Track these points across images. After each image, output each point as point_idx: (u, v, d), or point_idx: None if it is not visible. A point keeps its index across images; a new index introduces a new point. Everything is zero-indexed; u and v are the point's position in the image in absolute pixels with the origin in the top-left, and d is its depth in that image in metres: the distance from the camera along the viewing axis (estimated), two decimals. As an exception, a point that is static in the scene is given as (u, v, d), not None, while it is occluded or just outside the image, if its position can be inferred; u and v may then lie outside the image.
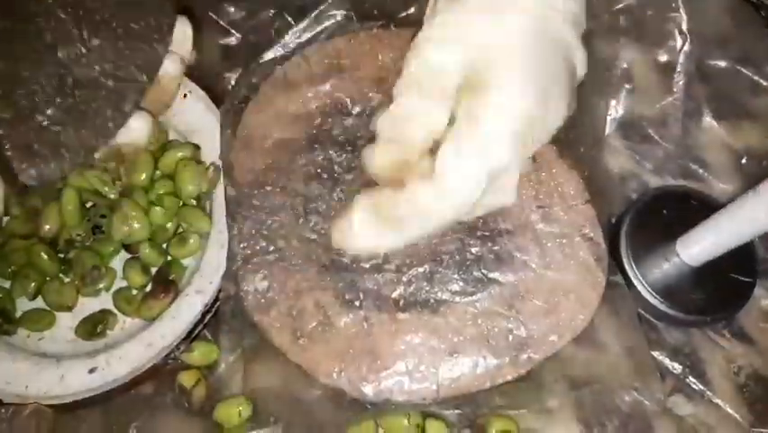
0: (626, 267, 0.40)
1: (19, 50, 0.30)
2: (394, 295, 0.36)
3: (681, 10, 0.44)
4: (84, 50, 0.32)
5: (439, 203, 0.35)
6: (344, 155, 0.40)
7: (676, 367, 0.39)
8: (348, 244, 0.37)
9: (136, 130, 0.37)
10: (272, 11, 0.45)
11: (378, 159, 0.37)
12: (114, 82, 0.33)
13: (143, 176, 0.40)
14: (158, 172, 0.41)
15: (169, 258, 0.41)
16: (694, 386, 0.39)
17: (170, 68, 0.37)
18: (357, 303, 0.36)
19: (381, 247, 0.37)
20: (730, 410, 0.38)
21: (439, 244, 0.37)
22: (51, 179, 0.35)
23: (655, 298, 0.39)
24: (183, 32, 0.36)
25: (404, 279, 0.37)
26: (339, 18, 0.43)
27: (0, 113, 0.31)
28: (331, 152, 0.40)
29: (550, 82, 0.36)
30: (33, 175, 0.34)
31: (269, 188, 0.39)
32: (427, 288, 0.36)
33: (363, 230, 0.36)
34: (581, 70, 0.39)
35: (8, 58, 0.30)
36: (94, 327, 0.39)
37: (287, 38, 0.42)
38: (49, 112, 0.32)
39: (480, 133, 0.35)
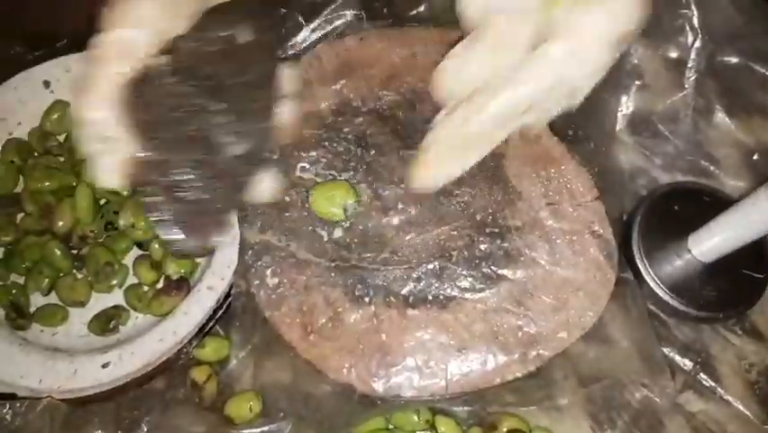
0: (638, 263, 0.40)
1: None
2: (403, 291, 0.36)
3: (693, 6, 0.44)
4: (207, 116, 0.32)
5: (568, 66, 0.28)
6: (354, 153, 0.40)
7: (687, 364, 0.39)
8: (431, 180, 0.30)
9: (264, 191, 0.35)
10: (283, 10, 0.45)
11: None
12: (238, 137, 0.33)
13: (155, 173, 0.41)
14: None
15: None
16: (705, 383, 0.39)
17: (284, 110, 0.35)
18: (366, 299, 0.36)
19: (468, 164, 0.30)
20: (741, 407, 0.38)
21: (448, 241, 0.37)
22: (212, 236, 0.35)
23: (667, 294, 0.39)
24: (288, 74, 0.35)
25: (413, 275, 0.37)
26: (349, 18, 0.43)
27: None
28: (341, 149, 0.40)
29: None
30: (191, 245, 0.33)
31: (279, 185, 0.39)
32: (436, 284, 0.37)
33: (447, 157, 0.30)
34: None
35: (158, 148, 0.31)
36: (107, 322, 0.40)
37: (297, 37, 0.43)
38: (194, 183, 0.32)
39: None
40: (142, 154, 0.30)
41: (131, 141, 0.30)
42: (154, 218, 0.31)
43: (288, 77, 0.35)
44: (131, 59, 0.30)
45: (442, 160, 0.30)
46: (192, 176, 0.31)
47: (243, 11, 0.34)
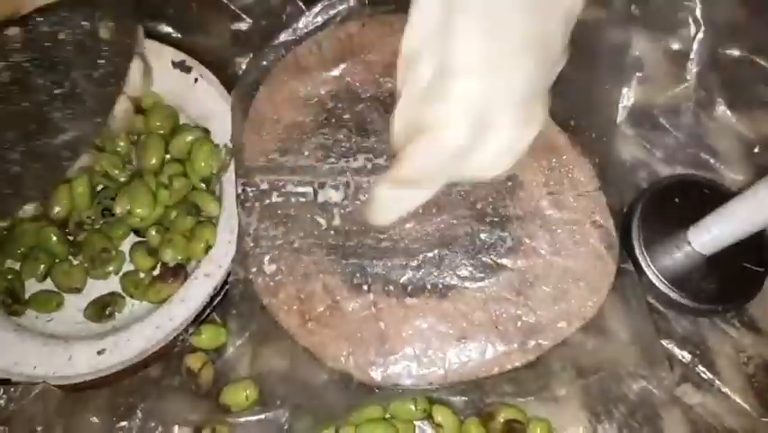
0: (638, 255, 0.40)
1: None
2: (402, 280, 0.36)
3: (687, 1, 0.44)
4: (46, 98, 0.34)
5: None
6: (354, 140, 0.39)
7: (685, 356, 0.39)
8: (382, 220, 0.35)
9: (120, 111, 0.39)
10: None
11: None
12: (71, 125, 0.36)
13: (153, 159, 0.40)
14: (167, 156, 0.42)
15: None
16: (703, 375, 0.39)
17: (120, 108, 0.39)
18: (365, 287, 0.36)
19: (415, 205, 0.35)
20: (739, 400, 0.38)
21: (448, 230, 0.37)
22: (9, 213, 0.38)
23: (666, 286, 0.39)
24: (136, 71, 0.39)
25: (413, 264, 0.36)
26: (351, 3, 0.42)
27: None
28: (341, 136, 0.39)
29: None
30: None
31: (279, 172, 0.39)
32: (436, 273, 0.36)
33: (392, 204, 0.34)
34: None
35: None
36: (102, 309, 0.39)
37: (298, 23, 0.42)
38: (12, 156, 0.35)
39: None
40: None
41: None
42: None
43: (134, 73, 0.38)
44: None
45: (388, 208, 0.35)
46: (15, 151, 0.34)
47: (113, 9, 0.36)
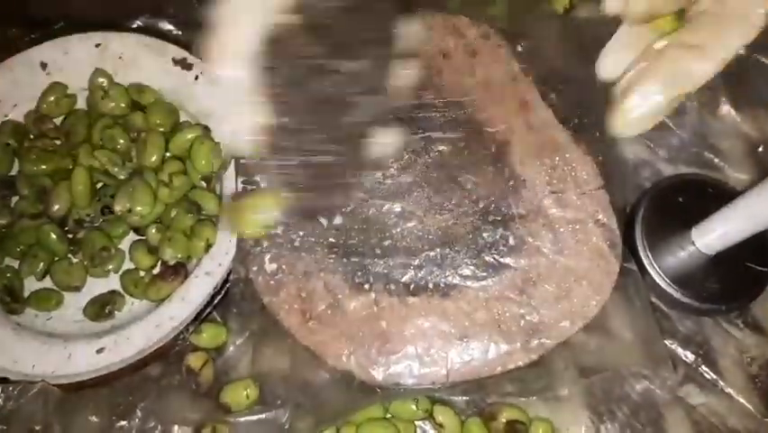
0: (641, 254, 0.40)
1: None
2: (404, 279, 0.36)
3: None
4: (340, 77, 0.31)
5: None
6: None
7: (688, 356, 0.39)
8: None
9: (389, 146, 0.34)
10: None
11: None
12: (365, 99, 0.32)
13: (154, 157, 0.40)
14: (167, 154, 0.41)
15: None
16: (706, 376, 0.38)
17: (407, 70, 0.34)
18: (367, 286, 0.36)
19: None
20: (742, 400, 0.38)
21: (450, 228, 0.37)
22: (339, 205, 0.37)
23: (670, 285, 0.39)
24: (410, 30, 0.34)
25: (415, 262, 0.36)
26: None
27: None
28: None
29: None
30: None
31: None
32: (438, 272, 0.36)
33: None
34: None
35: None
36: (102, 307, 0.39)
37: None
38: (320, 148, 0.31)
39: None
40: (276, 119, 0.29)
41: (265, 104, 0.29)
42: (285, 181, 0.31)
43: (409, 33, 0.33)
44: (262, 15, 0.28)
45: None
46: (321, 139, 0.31)
47: None
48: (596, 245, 0.36)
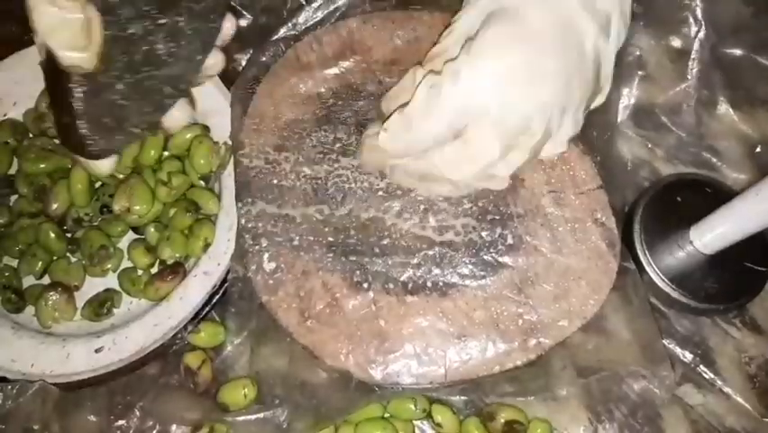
0: (639, 254, 0.40)
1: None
2: (403, 278, 0.36)
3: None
4: (152, 27, 0.34)
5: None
6: (354, 137, 0.39)
7: (686, 356, 0.39)
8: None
9: (176, 119, 0.39)
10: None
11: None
12: (174, 60, 0.36)
13: (152, 154, 0.40)
14: (166, 153, 0.41)
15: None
16: (704, 375, 0.39)
17: (211, 59, 0.39)
18: (365, 285, 0.36)
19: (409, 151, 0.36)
20: (740, 400, 0.38)
21: (449, 227, 0.37)
22: (116, 149, 0.38)
23: (668, 285, 0.39)
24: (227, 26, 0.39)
25: (413, 261, 0.36)
26: (352, -2, 0.42)
27: (80, 87, 0.34)
28: (340, 133, 0.39)
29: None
30: (102, 146, 0.37)
31: (278, 169, 0.39)
32: (436, 271, 0.36)
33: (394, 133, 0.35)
34: (606, 66, 0.36)
35: None
36: (100, 306, 0.39)
37: (299, 18, 0.42)
38: (118, 87, 0.35)
39: None
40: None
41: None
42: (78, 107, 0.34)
43: (227, 29, 0.38)
44: None
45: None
46: (122, 81, 0.34)
47: None
48: (594, 245, 0.36)
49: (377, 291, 0.36)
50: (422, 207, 0.38)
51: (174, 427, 0.37)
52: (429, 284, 0.36)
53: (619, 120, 0.44)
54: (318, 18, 0.42)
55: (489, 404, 0.37)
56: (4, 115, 0.43)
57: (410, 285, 0.36)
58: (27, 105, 0.43)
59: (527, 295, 0.35)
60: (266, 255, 0.37)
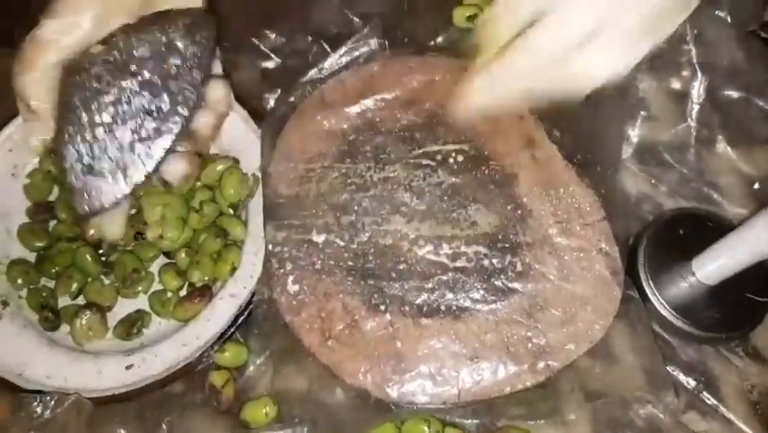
0: (644, 284, 0.41)
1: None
2: (418, 301, 0.38)
3: (692, 44, 0.47)
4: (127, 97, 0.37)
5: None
6: (373, 169, 0.42)
7: (690, 383, 0.40)
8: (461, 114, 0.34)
9: (173, 172, 0.41)
10: (310, 38, 0.48)
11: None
12: (156, 122, 0.38)
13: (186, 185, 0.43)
14: (198, 183, 0.44)
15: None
16: (708, 402, 0.39)
17: (202, 122, 0.41)
18: (383, 308, 0.38)
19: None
20: (744, 427, 0.39)
21: (462, 255, 0.39)
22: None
23: (672, 315, 0.41)
24: (221, 91, 0.41)
25: (428, 285, 0.38)
26: (373, 46, 0.46)
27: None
28: (361, 165, 0.42)
29: None
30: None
31: (304, 198, 0.41)
32: (450, 295, 0.38)
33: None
34: None
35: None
36: (131, 326, 0.41)
37: (324, 64, 0.45)
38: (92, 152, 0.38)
39: None
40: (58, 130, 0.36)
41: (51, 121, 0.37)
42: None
43: (216, 93, 0.40)
44: (69, 44, 0.35)
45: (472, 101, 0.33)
46: (98, 146, 0.37)
47: (187, 19, 0.38)
48: (599, 273, 0.38)
49: (394, 314, 0.38)
50: (436, 234, 0.40)
51: (199, 443, 0.38)
52: (443, 308, 0.38)
53: (624, 157, 0.46)
54: (342, 63, 0.45)
55: (501, 427, 0.38)
56: (47, 146, 0.46)
57: (425, 308, 0.38)
58: (70, 137, 0.46)
59: (536, 319, 0.37)
60: (290, 278, 0.39)
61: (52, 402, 0.36)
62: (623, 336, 0.39)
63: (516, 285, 0.38)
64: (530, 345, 0.37)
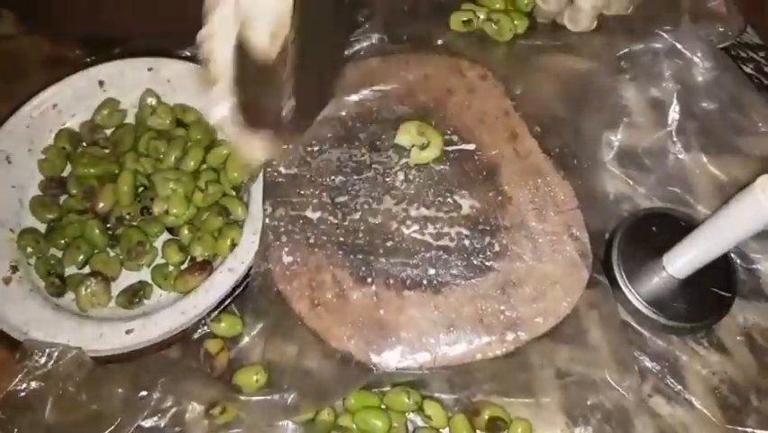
0: (617, 277, 0.44)
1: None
2: (402, 275, 0.41)
3: (672, 58, 0.50)
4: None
5: None
6: (366, 154, 0.45)
7: (657, 369, 0.42)
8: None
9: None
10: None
11: None
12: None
13: (192, 163, 0.46)
14: (204, 165, 0.47)
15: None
16: (673, 387, 0.42)
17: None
18: (369, 280, 0.41)
19: None
20: (704, 410, 0.41)
21: (445, 235, 0.42)
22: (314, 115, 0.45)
23: (642, 305, 0.43)
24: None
25: (412, 262, 0.41)
26: (374, 41, 0.49)
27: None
28: (357, 150, 0.45)
29: None
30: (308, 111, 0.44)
31: (302, 178, 0.44)
32: (432, 271, 0.41)
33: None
34: None
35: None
36: (133, 295, 0.43)
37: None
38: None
39: None
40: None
41: None
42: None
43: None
44: None
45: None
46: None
47: None
48: (569, 255, 0.41)
49: (379, 286, 0.40)
50: (423, 216, 0.43)
51: (191, 403, 0.40)
52: (425, 282, 0.40)
53: (606, 160, 0.49)
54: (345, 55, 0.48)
55: (476, 402, 0.40)
56: (63, 125, 0.48)
57: (408, 282, 0.40)
58: (84, 117, 0.49)
59: (509, 295, 0.40)
60: (285, 250, 0.41)
61: (56, 353, 0.39)
62: (591, 318, 0.41)
63: (492, 264, 0.41)
64: (502, 317, 0.39)
